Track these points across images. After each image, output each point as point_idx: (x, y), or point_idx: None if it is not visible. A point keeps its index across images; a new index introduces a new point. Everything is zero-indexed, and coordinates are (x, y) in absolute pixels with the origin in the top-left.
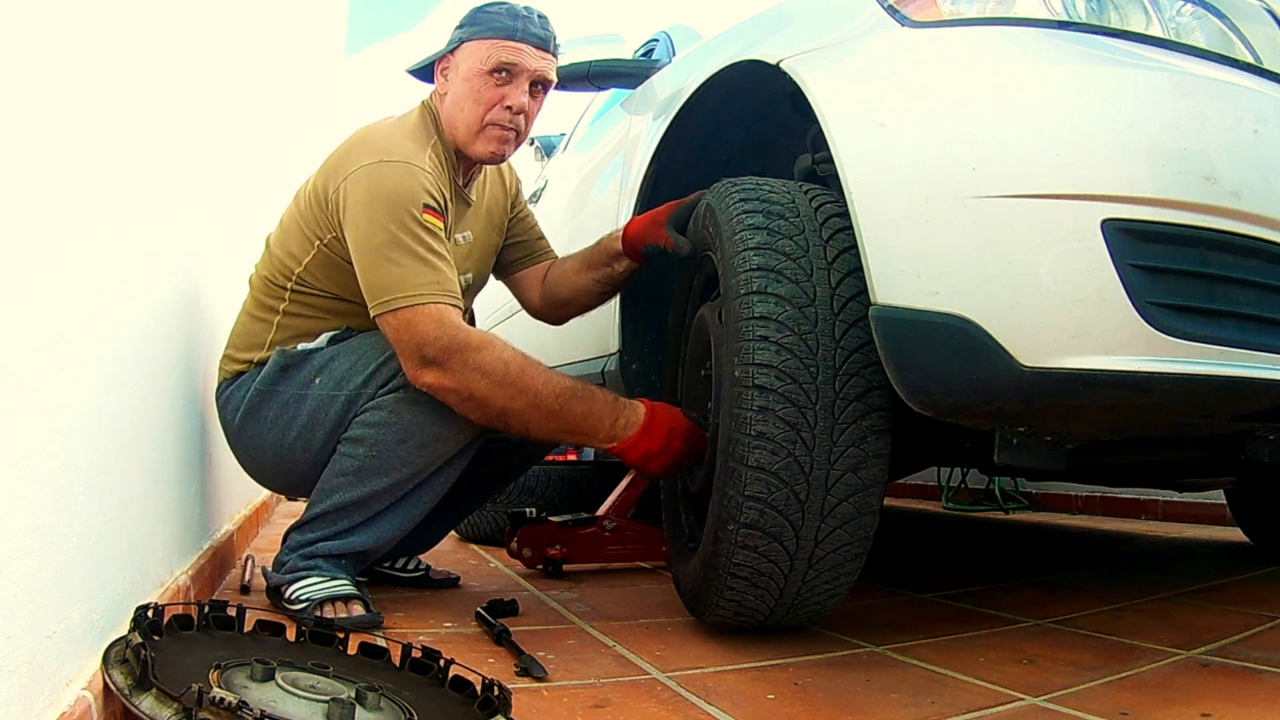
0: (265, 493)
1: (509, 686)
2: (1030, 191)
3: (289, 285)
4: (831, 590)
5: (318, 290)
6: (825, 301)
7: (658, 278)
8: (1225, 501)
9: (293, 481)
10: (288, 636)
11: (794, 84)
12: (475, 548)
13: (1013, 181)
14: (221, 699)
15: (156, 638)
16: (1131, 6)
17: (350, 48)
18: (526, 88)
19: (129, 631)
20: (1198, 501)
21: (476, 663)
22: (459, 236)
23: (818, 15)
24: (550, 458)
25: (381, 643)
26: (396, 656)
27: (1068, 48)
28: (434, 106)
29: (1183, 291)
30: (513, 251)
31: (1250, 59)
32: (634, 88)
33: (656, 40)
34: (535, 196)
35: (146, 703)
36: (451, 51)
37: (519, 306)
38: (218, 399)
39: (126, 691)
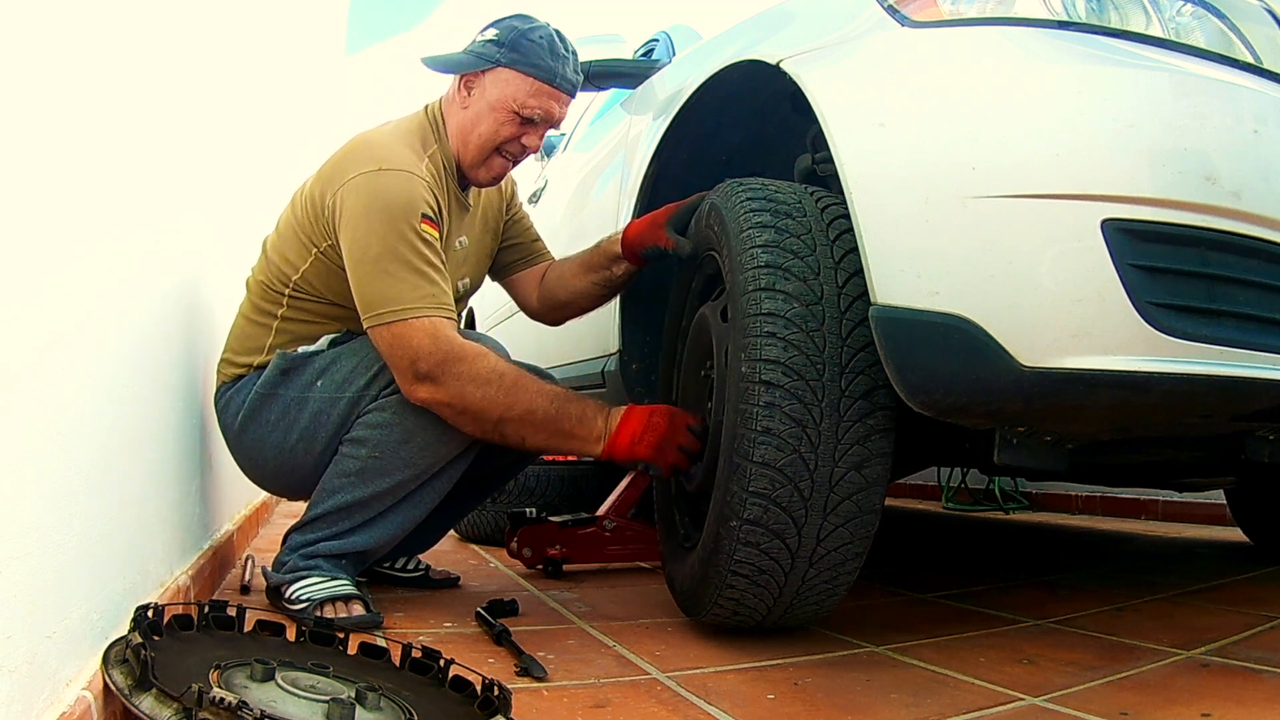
0: (265, 493)
1: (509, 686)
2: (1030, 191)
3: (287, 291)
4: (830, 590)
5: (315, 296)
6: (832, 300)
7: (658, 278)
8: (1225, 501)
9: (294, 484)
10: (288, 636)
11: (794, 84)
12: (475, 548)
13: (1013, 181)
14: (221, 699)
15: (156, 638)
16: (1131, 6)
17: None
18: (544, 131)
19: (129, 631)
20: (1198, 501)
21: (476, 663)
22: (456, 242)
23: (818, 15)
24: (550, 458)
25: (381, 643)
26: (396, 656)
27: (1068, 48)
28: (438, 113)
29: (1183, 291)
30: (509, 254)
31: (1250, 59)
32: (634, 88)
33: (656, 40)
34: (535, 197)
35: (146, 703)
36: (483, 71)
37: (519, 307)
38: (216, 403)
39: (126, 691)
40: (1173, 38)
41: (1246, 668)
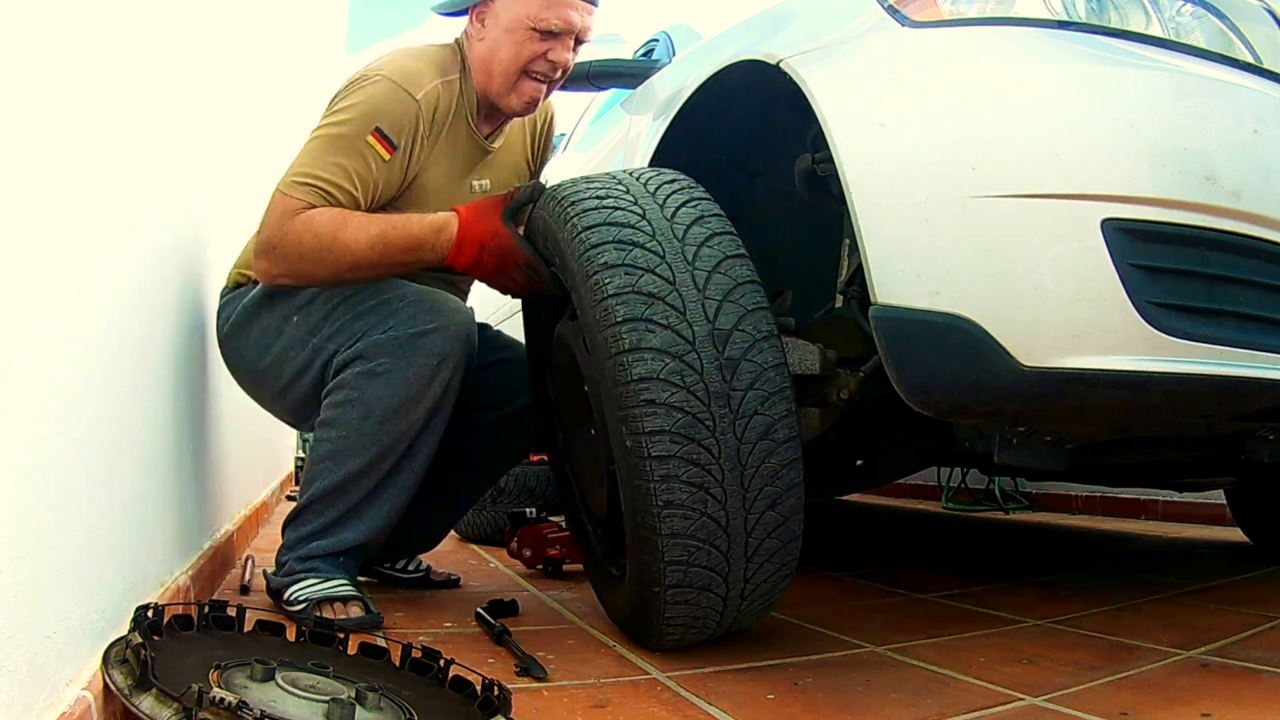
0: (265, 492)
1: (509, 686)
2: (1030, 191)
3: None
4: (767, 602)
5: None
6: (705, 341)
7: None
8: (1225, 501)
9: (262, 401)
10: (288, 636)
11: (794, 84)
12: (475, 548)
13: (1013, 181)
14: (221, 699)
15: (156, 638)
16: (1131, 6)
17: (351, 46)
18: (571, 44)
19: (129, 631)
20: (1198, 501)
21: (476, 663)
22: (476, 184)
23: (818, 15)
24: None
25: (381, 643)
26: (396, 656)
27: (1068, 48)
28: (463, 47)
29: (1183, 291)
30: None
31: (1250, 59)
32: (634, 88)
33: (656, 40)
34: None
35: (146, 703)
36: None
37: (520, 306)
38: (219, 303)
39: (126, 691)
40: (1173, 38)
41: (1246, 668)
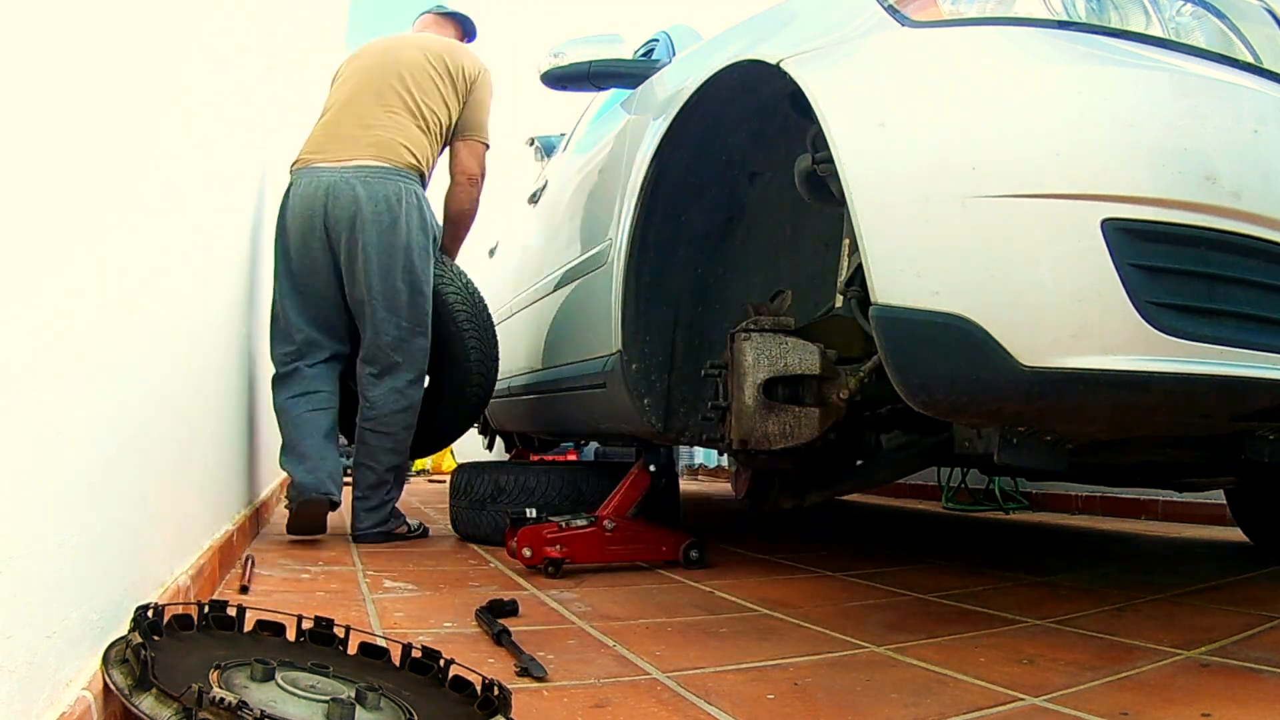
0: (265, 493)
1: (509, 686)
2: (1030, 191)
3: (441, 138)
4: None
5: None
6: None
7: (658, 277)
8: (1225, 501)
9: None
10: (288, 636)
11: (794, 84)
12: (475, 547)
13: (1013, 181)
14: (221, 699)
15: (156, 638)
16: (1131, 6)
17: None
18: None
19: (129, 631)
20: (1198, 501)
21: (476, 663)
22: None
23: (818, 15)
24: (550, 457)
25: (381, 643)
26: (396, 656)
27: (1068, 48)
28: None
29: (1183, 291)
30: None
31: (1250, 59)
32: (634, 88)
33: (656, 40)
34: (535, 197)
35: (146, 703)
36: None
37: (519, 305)
38: (387, 174)
39: (126, 691)
40: (1173, 38)
41: (1246, 668)
